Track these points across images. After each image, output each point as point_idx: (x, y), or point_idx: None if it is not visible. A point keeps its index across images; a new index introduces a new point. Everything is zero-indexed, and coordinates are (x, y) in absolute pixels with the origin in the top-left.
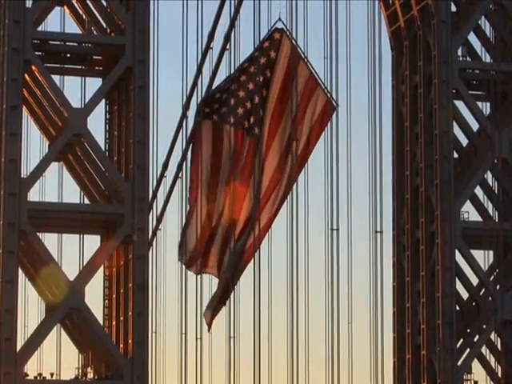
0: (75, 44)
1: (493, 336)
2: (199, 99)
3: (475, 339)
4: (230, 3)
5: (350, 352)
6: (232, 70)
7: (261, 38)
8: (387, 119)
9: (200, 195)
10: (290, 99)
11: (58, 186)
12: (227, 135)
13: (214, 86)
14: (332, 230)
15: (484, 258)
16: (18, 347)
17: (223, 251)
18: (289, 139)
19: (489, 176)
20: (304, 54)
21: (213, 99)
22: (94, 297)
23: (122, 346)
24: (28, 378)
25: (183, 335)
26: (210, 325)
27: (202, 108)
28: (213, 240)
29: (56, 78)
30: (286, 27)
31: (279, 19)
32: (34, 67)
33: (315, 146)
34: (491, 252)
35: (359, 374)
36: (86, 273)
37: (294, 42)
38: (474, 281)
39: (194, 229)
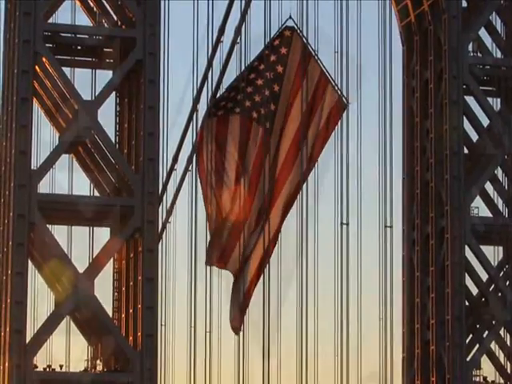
0: (86, 36)
1: (502, 332)
2: (209, 92)
3: (484, 335)
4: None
5: (359, 346)
6: (242, 64)
7: (271, 34)
8: (397, 114)
9: (209, 194)
10: (301, 97)
11: (68, 179)
12: (232, 125)
13: (223, 82)
14: (342, 224)
15: (494, 253)
16: (28, 339)
17: (231, 247)
18: (300, 136)
19: (499, 171)
20: (315, 51)
21: (221, 98)
22: (104, 289)
23: (131, 338)
24: (37, 369)
25: (192, 329)
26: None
27: (210, 110)
28: (221, 237)
29: (66, 71)
30: (296, 25)
31: (290, 17)
32: (44, 59)
33: (326, 144)
34: (501, 248)
35: (368, 368)
36: (96, 265)
37: (305, 39)
38: (484, 276)
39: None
